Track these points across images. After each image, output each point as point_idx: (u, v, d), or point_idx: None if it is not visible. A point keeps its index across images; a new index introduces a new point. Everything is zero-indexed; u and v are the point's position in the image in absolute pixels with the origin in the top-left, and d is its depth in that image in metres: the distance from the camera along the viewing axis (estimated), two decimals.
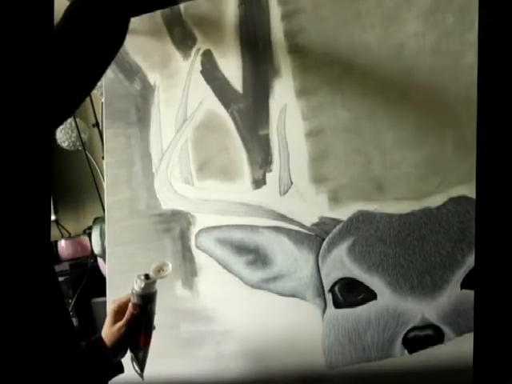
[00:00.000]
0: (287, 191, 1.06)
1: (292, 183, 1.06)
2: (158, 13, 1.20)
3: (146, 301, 0.95)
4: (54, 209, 1.78)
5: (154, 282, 0.95)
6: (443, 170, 0.96)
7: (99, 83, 1.53)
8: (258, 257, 1.07)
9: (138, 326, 0.95)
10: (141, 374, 0.97)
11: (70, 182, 1.80)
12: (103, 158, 1.35)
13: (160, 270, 0.95)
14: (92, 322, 1.54)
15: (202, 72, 1.15)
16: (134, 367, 0.97)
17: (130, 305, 0.95)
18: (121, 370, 0.96)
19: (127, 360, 0.97)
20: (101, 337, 0.94)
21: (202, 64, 1.15)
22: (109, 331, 0.95)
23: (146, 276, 0.94)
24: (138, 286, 0.94)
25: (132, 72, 1.23)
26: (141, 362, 0.96)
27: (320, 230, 1.03)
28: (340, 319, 1.01)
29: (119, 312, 0.96)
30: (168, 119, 1.17)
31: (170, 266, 0.95)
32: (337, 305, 1.01)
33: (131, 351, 0.97)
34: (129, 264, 1.19)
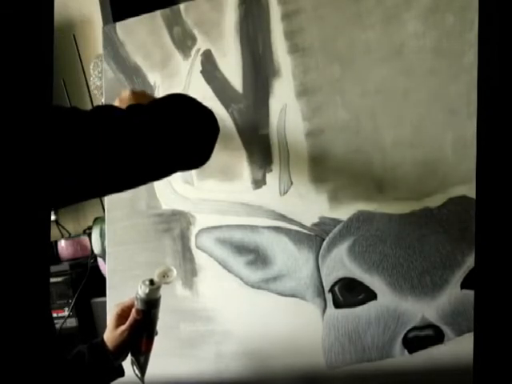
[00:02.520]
0: (287, 191, 1.06)
1: (292, 183, 1.06)
2: (158, 13, 1.20)
3: (150, 306, 0.94)
4: (54, 209, 1.78)
5: (158, 288, 0.94)
6: (443, 170, 0.96)
7: (99, 83, 1.53)
8: (257, 257, 1.07)
9: (141, 331, 0.95)
10: (141, 379, 0.97)
11: None
12: None
13: (164, 275, 0.94)
14: (92, 322, 1.54)
15: (202, 72, 1.15)
16: (134, 371, 0.97)
17: (133, 310, 0.94)
18: (121, 373, 0.96)
19: (127, 364, 0.97)
20: (103, 340, 0.95)
21: (202, 64, 1.15)
22: (111, 335, 0.95)
23: (151, 281, 0.93)
24: (142, 291, 0.93)
25: (132, 72, 1.22)
26: (142, 366, 0.96)
27: (320, 230, 1.03)
28: (340, 319, 1.01)
29: (122, 316, 0.95)
30: None
31: (175, 271, 0.95)
32: (337, 305, 1.01)
33: (132, 356, 0.96)
34: (129, 264, 1.19)
